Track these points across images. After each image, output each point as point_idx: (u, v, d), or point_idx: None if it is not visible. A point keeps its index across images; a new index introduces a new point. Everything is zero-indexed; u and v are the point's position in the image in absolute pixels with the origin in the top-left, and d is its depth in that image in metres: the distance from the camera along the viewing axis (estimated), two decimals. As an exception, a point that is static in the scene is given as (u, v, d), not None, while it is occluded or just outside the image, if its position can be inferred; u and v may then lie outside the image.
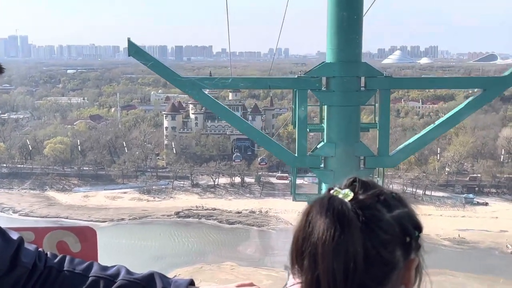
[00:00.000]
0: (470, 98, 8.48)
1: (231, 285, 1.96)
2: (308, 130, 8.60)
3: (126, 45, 8.44)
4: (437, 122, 8.47)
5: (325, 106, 8.08)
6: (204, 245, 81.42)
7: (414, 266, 1.63)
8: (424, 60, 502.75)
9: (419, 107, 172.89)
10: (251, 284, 1.97)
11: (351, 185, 1.63)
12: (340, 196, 1.59)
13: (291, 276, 1.70)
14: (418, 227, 1.64)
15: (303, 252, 1.56)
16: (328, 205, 1.56)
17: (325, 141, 8.21)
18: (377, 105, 8.12)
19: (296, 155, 8.37)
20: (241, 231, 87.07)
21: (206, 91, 8.66)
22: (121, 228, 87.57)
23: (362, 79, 7.76)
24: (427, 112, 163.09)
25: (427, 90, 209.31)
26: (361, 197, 1.59)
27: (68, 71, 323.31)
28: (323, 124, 8.46)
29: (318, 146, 8.32)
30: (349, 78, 7.53)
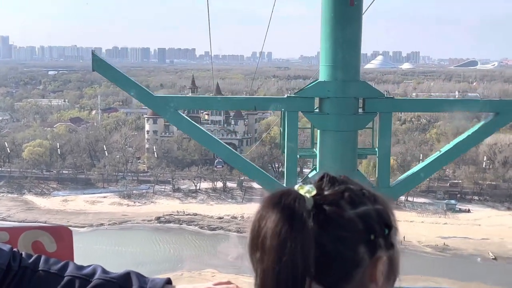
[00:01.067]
0: (481, 123, 7.64)
1: (208, 284, 1.96)
2: (298, 156, 7.66)
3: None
4: (443, 150, 7.67)
5: (318, 130, 7.18)
6: (185, 251, 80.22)
7: (381, 264, 1.58)
8: (406, 66, 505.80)
9: (400, 113, 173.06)
10: (229, 283, 1.96)
11: (320, 181, 1.62)
12: (303, 191, 1.56)
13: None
14: (388, 225, 1.60)
15: (255, 245, 1.55)
16: (278, 200, 1.54)
17: (317, 169, 7.33)
18: (376, 128, 7.25)
19: (284, 185, 7.44)
20: (222, 237, 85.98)
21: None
22: (100, 234, 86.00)
23: (360, 100, 6.90)
24: (409, 118, 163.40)
25: (409, 95, 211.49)
26: (326, 193, 1.57)
27: (49, 73, 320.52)
28: (315, 150, 7.55)
29: (310, 175, 7.44)
30: (346, 99, 6.69)
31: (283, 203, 1.52)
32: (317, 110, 6.92)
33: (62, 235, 2.64)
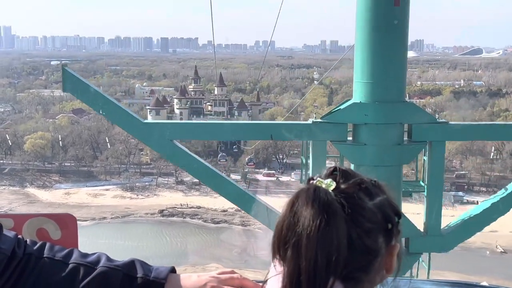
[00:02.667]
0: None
1: (212, 273, 2.00)
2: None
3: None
4: (510, 188, 6.23)
5: (352, 164, 5.75)
6: (189, 245, 79.06)
7: (396, 252, 1.67)
8: (410, 54, 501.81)
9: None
10: (232, 272, 2.00)
11: (331, 175, 1.64)
12: (323, 186, 1.60)
13: (272, 266, 1.69)
14: (398, 213, 1.68)
15: (287, 243, 1.56)
16: (314, 196, 1.56)
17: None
18: (424, 160, 5.83)
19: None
20: (226, 230, 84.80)
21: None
22: (103, 227, 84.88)
23: (406, 126, 5.48)
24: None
25: (414, 84, 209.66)
26: (342, 186, 1.61)
27: (52, 63, 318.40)
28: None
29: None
30: (388, 125, 5.27)
31: (319, 198, 1.55)
32: (350, 139, 5.53)
33: (67, 223, 2.63)
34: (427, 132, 5.51)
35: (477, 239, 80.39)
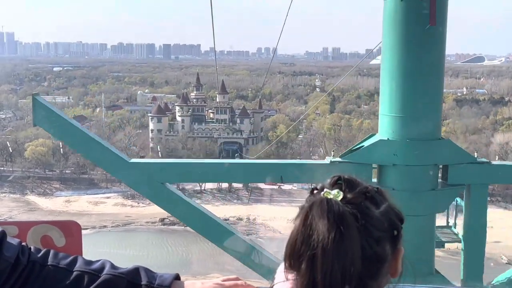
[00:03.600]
0: None
1: (216, 280, 2.00)
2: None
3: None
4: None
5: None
6: (190, 254, 78.20)
7: (401, 256, 1.72)
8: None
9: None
10: (237, 279, 2.00)
11: (336, 184, 1.67)
12: (331, 196, 1.61)
13: (278, 272, 1.73)
14: (401, 219, 1.72)
15: (301, 256, 1.58)
16: (328, 208, 1.57)
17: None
18: (460, 205, 5.06)
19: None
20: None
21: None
22: (103, 236, 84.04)
23: (440, 167, 4.70)
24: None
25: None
26: (349, 196, 1.63)
27: (54, 69, 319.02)
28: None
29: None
30: (421, 168, 4.47)
31: (333, 210, 1.56)
32: (375, 180, 4.76)
33: (71, 230, 2.64)
34: (466, 174, 4.74)
35: (481, 250, 79.57)
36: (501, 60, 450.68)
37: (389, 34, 4.52)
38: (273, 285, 1.74)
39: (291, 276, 1.63)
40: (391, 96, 4.57)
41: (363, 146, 4.88)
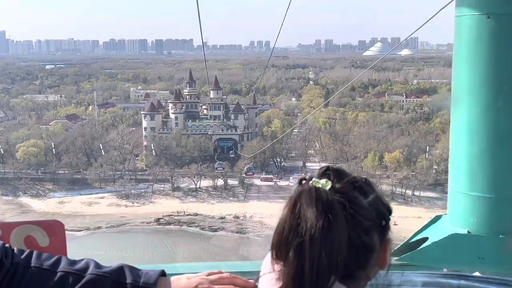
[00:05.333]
0: None
1: (201, 274, 2.00)
2: None
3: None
4: None
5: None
6: (186, 254, 76.89)
7: (389, 247, 1.74)
8: (405, 52, 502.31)
9: (403, 101, 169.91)
10: (220, 272, 2.01)
11: (325, 174, 1.68)
12: (319, 185, 1.63)
13: (264, 262, 1.74)
14: (389, 210, 1.74)
15: (288, 244, 1.59)
16: (316, 196, 1.59)
17: None
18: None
19: None
20: (224, 238, 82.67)
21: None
22: (97, 238, 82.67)
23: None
24: (412, 106, 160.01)
25: (410, 83, 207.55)
26: (337, 185, 1.65)
27: (47, 67, 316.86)
28: None
29: None
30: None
31: (321, 198, 1.59)
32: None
33: (55, 230, 2.62)
34: None
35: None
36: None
37: (468, 62, 3.23)
38: (259, 276, 1.74)
39: (277, 266, 1.64)
40: (472, 161, 3.21)
41: (427, 238, 3.56)
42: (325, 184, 1.63)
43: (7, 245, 1.96)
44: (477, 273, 2.76)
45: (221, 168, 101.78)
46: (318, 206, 1.57)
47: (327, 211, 1.56)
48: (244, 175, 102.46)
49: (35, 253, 1.96)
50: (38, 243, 2.58)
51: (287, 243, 1.58)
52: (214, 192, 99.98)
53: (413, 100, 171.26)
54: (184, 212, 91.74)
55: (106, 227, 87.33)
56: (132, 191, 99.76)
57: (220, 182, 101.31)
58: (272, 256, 1.65)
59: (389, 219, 1.71)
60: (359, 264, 1.64)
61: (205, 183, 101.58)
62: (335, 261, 1.55)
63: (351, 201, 1.62)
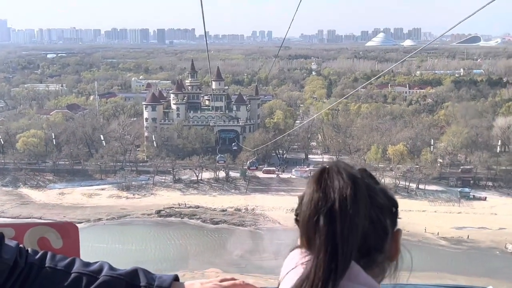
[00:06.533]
0: None
1: (214, 279, 2.02)
2: None
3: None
4: None
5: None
6: (187, 248, 76.04)
7: (400, 237, 1.83)
8: (407, 42, 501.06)
9: (406, 92, 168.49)
10: (233, 279, 2.04)
11: (336, 165, 1.80)
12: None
13: (286, 262, 1.80)
14: (396, 202, 1.86)
15: (317, 213, 1.67)
16: (342, 168, 1.74)
17: None
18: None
19: None
20: (226, 231, 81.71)
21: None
22: (98, 230, 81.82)
23: None
24: (415, 98, 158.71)
25: (413, 74, 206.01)
26: (350, 170, 1.77)
27: (48, 56, 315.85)
28: None
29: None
30: None
31: (346, 170, 1.74)
32: None
33: (69, 232, 2.64)
34: None
35: (486, 237, 77.70)
36: (497, 41, 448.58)
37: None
38: (284, 276, 1.76)
39: (305, 258, 1.70)
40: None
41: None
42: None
43: (21, 245, 2.01)
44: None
45: (223, 162, 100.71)
46: (345, 176, 1.69)
47: (353, 181, 1.68)
48: (247, 169, 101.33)
49: (49, 254, 2.00)
50: (52, 244, 2.57)
51: (315, 212, 1.66)
52: (216, 184, 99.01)
53: (417, 92, 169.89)
54: (185, 204, 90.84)
55: (107, 219, 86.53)
56: (133, 183, 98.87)
57: (221, 174, 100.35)
58: (300, 236, 1.74)
59: (398, 208, 1.83)
60: (376, 245, 1.74)
61: (206, 175, 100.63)
62: (360, 232, 1.65)
63: (366, 181, 1.76)
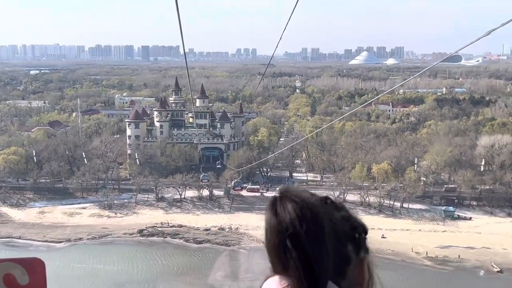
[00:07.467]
0: None
1: None
2: None
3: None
4: None
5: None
6: (170, 268, 74.60)
7: (366, 263, 1.85)
8: (390, 61, 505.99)
9: (389, 111, 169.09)
10: None
11: (301, 193, 1.89)
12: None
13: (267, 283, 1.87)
14: (365, 230, 1.88)
15: (282, 238, 1.80)
16: (295, 195, 1.84)
17: None
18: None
19: None
20: (209, 251, 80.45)
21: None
22: (78, 250, 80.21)
23: None
24: (399, 116, 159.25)
25: (396, 92, 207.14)
26: (312, 200, 1.84)
27: (31, 72, 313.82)
28: None
29: None
30: None
31: (302, 196, 1.84)
32: None
33: (35, 267, 2.61)
34: None
35: (471, 257, 77.29)
36: (478, 60, 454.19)
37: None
38: None
39: (284, 284, 1.79)
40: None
41: None
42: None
43: None
44: None
45: (206, 181, 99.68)
46: (296, 202, 1.79)
47: (303, 206, 1.77)
48: (232, 190, 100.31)
49: None
50: (18, 281, 2.52)
51: (280, 237, 1.78)
52: (199, 203, 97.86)
53: (400, 110, 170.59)
54: (168, 223, 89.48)
55: (88, 239, 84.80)
56: (115, 201, 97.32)
57: (205, 192, 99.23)
58: (272, 263, 1.85)
59: (363, 234, 1.84)
60: (338, 271, 1.77)
61: (190, 193, 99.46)
62: (330, 250, 1.75)
63: (326, 210, 1.82)
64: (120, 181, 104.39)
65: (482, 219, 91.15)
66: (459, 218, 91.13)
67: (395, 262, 73.25)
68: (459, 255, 77.26)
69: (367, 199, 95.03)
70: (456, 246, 79.96)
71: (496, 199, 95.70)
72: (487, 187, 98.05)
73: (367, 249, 1.82)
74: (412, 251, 78.38)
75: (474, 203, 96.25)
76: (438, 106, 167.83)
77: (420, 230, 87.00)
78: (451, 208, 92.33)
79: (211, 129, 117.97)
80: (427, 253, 77.41)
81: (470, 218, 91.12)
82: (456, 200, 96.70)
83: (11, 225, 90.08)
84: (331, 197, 1.88)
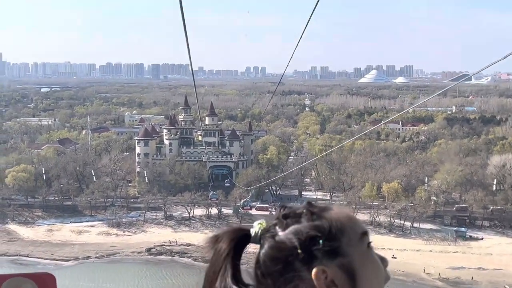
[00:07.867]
0: None
1: None
2: None
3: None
4: None
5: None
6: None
7: (321, 274, 1.74)
8: (400, 80, 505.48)
9: (399, 129, 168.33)
10: None
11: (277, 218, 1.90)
12: (256, 225, 1.94)
13: None
14: (324, 235, 1.76)
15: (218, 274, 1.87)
16: (233, 229, 1.93)
17: None
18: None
19: None
20: (218, 270, 79.67)
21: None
22: (86, 268, 79.83)
23: None
24: (408, 135, 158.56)
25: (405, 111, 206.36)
26: (273, 222, 1.89)
27: (42, 90, 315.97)
28: None
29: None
30: None
31: (237, 230, 1.95)
32: None
33: (46, 282, 2.64)
34: None
35: (483, 278, 76.16)
36: (488, 79, 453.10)
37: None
38: None
39: None
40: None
41: None
42: (261, 223, 1.93)
43: None
44: None
45: (215, 199, 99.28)
46: (231, 235, 1.90)
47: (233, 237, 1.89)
48: (241, 209, 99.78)
49: None
50: None
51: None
52: (208, 222, 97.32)
53: (410, 128, 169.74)
54: (177, 242, 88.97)
55: (96, 257, 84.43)
56: (124, 219, 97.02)
57: (214, 211, 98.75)
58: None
59: (319, 246, 1.74)
60: None
61: (198, 211, 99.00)
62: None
63: (267, 235, 1.85)
64: (128, 199, 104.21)
65: (494, 239, 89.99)
66: (470, 238, 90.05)
67: (406, 283, 72.26)
68: (472, 277, 76.11)
69: (377, 218, 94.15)
70: (468, 268, 78.89)
71: (508, 219, 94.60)
72: (499, 207, 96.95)
73: (335, 253, 1.78)
74: (424, 272, 77.37)
75: (486, 223, 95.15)
76: (448, 125, 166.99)
77: (431, 250, 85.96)
78: (463, 229, 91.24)
79: (220, 147, 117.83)
80: (439, 274, 76.30)
81: (482, 238, 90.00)
82: (467, 220, 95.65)
83: (19, 243, 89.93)
84: (294, 210, 1.84)
